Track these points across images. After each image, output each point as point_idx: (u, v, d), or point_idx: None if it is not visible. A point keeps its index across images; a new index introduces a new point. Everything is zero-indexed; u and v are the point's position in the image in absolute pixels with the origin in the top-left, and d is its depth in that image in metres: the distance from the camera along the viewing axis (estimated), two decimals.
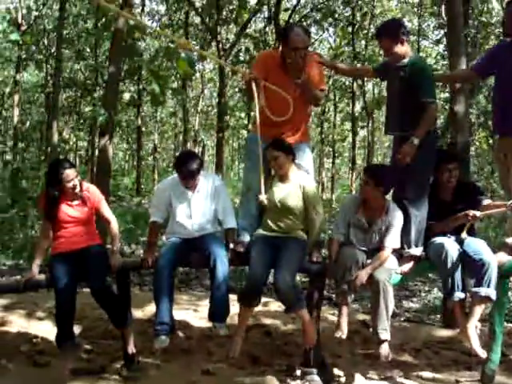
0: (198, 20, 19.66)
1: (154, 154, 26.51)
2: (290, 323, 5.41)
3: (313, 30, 19.13)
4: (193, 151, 6.11)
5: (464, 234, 4.17)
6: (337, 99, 24.96)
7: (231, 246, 4.33)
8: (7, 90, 23.96)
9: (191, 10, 18.23)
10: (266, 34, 19.04)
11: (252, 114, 22.16)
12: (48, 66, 19.37)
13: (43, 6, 18.42)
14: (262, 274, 4.05)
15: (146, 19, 19.42)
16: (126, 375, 4.14)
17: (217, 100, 20.44)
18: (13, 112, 19.35)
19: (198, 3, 17.73)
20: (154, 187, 19.01)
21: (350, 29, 19.25)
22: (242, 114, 26.34)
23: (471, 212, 4.15)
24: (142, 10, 20.16)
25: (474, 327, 4.04)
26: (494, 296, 3.97)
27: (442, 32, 15.43)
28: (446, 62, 14.65)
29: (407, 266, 4.32)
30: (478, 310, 4.04)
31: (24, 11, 17.18)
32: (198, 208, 4.35)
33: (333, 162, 27.11)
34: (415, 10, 20.27)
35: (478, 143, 15.57)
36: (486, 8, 14.80)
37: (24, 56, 17.46)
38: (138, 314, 5.34)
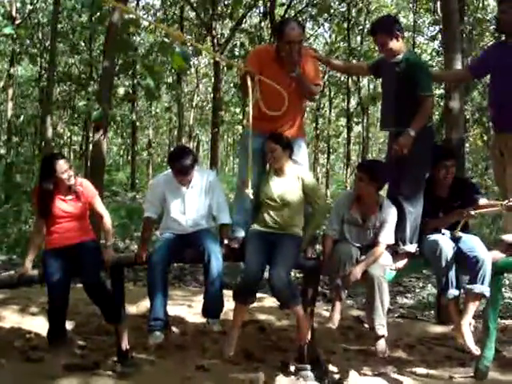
0: (193, 15, 19.57)
1: (149, 149, 26.40)
2: (285, 319, 5.42)
3: (308, 25, 19.11)
4: (187, 147, 6.08)
5: (458, 232, 4.17)
6: (332, 95, 24.93)
7: (226, 241, 4.32)
8: (1, 83, 23.78)
9: (186, 5, 18.14)
10: (261, 29, 18.97)
11: (247, 109, 22.13)
12: (42, 59, 19.26)
13: None
14: (257, 271, 4.04)
15: (141, 13, 19.30)
16: (120, 371, 4.13)
17: (212, 95, 20.39)
18: (7, 106, 19.21)
19: None
20: (149, 182, 18.97)
21: (345, 24, 19.22)
22: (237, 110, 26.27)
23: (466, 210, 4.15)
24: (137, 4, 20.09)
25: (467, 324, 4.04)
26: (488, 293, 3.98)
27: (438, 28, 15.42)
28: (441, 59, 14.65)
29: (402, 263, 4.32)
30: (472, 307, 4.05)
31: (18, 4, 17.09)
32: (192, 204, 4.33)
33: (328, 158, 27.07)
34: (410, 6, 20.28)
35: (472, 140, 15.60)
36: (481, 4, 14.83)
37: (18, 50, 17.34)
38: (131, 309, 5.33)
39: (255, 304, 4.34)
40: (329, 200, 18.41)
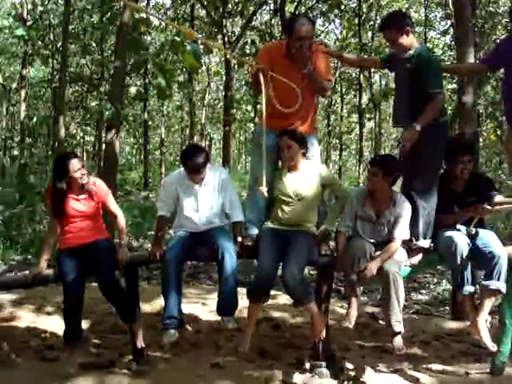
0: (203, 13, 19.58)
1: (161, 148, 26.45)
2: (299, 316, 5.40)
3: (319, 21, 19.05)
4: (199, 145, 6.10)
5: (472, 230, 4.13)
6: (343, 91, 24.85)
7: (239, 239, 4.32)
8: (14, 85, 23.96)
9: (197, 3, 18.16)
10: (271, 27, 18.95)
11: (259, 106, 22.11)
12: (54, 60, 19.34)
13: (48, 0, 18.40)
14: (270, 269, 4.03)
15: (152, 12, 19.33)
16: (135, 369, 4.14)
17: (223, 93, 20.40)
18: (20, 107, 19.34)
19: None
20: (161, 181, 19.01)
21: (356, 20, 19.14)
22: (249, 107, 26.24)
23: (482, 206, 4.11)
24: (148, 3, 20.10)
25: (484, 321, 4.02)
26: (504, 289, 3.95)
27: (449, 22, 15.32)
28: (452, 53, 14.57)
29: (416, 258, 4.29)
30: (488, 304, 4.02)
31: (29, 6, 17.14)
32: (205, 201, 4.33)
33: (340, 155, 27.00)
34: (422, 0, 20.14)
35: (485, 134, 15.48)
36: None
37: (30, 51, 17.43)
38: (146, 308, 5.34)
39: (269, 301, 4.33)
40: None
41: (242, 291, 4.17)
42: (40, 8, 18.25)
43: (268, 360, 4.42)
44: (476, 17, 10.81)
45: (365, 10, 19.13)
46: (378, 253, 4.06)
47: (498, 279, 3.93)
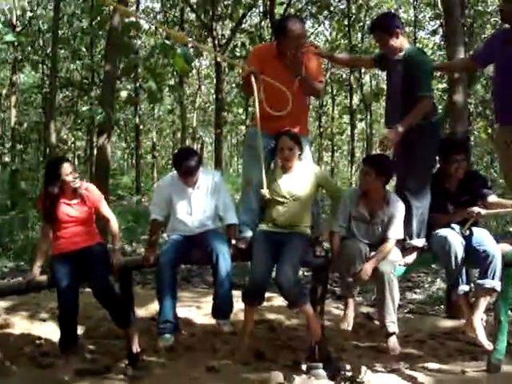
0: (193, 16, 19.57)
1: (153, 152, 26.40)
2: (294, 318, 5.40)
3: (309, 23, 19.10)
4: (191, 148, 6.09)
5: (466, 231, 4.13)
6: (334, 92, 24.89)
7: (233, 241, 4.31)
8: (4, 91, 23.84)
9: (186, 7, 18.16)
10: (261, 29, 18.98)
11: (250, 109, 22.13)
12: (44, 66, 19.31)
13: (38, 6, 18.36)
14: (264, 272, 4.02)
15: (142, 17, 19.31)
16: (131, 374, 4.12)
17: (214, 96, 20.38)
18: (10, 113, 19.22)
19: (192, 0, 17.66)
20: (154, 185, 18.97)
21: (345, 21, 19.18)
22: (240, 110, 26.28)
23: (475, 209, 4.11)
24: (137, 7, 20.08)
25: (479, 319, 4.01)
26: (499, 287, 3.95)
27: (438, 22, 15.39)
28: (442, 53, 14.64)
29: (410, 258, 4.29)
30: (483, 302, 4.02)
31: (18, 12, 17.10)
32: (199, 204, 4.32)
33: (332, 156, 27.06)
34: (411, 0, 20.22)
35: (476, 133, 15.55)
36: None
37: (20, 57, 17.39)
38: (141, 312, 5.33)
39: (265, 304, 4.32)
40: None
41: (237, 294, 4.16)
42: (29, 14, 18.22)
43: (264, 362, 4.40)
44: (465, 16, 10.86)
45: (354, 12, 19.17)
46: (373, 253, 4.06)
47: (493, 278, 3.92)
